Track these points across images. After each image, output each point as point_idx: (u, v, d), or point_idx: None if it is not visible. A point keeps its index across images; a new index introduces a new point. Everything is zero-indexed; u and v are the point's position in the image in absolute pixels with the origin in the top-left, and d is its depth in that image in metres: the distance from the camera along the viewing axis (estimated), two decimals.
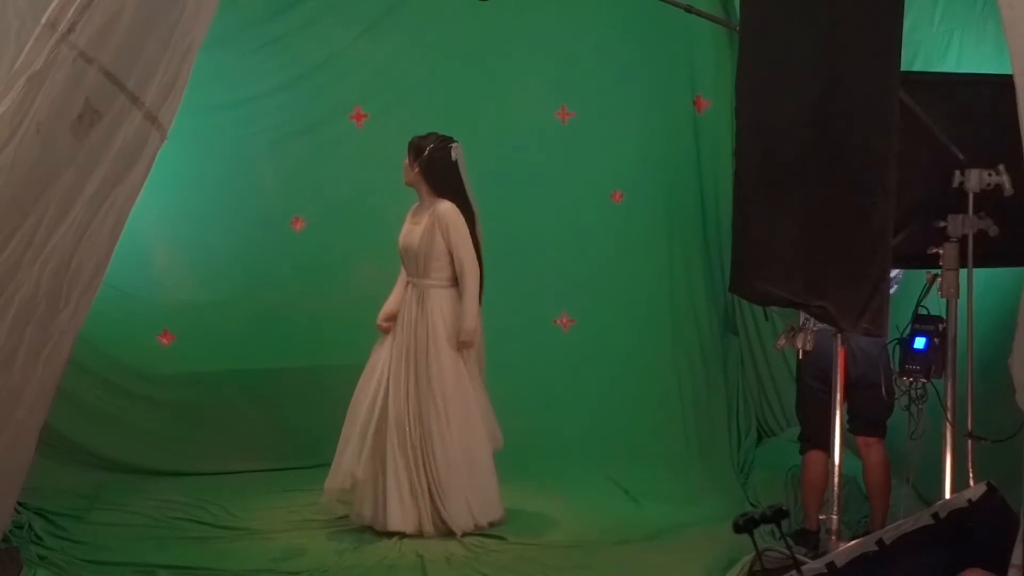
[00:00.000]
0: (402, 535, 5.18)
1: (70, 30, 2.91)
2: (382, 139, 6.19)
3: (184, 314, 6.42)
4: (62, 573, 4.72)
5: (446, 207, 5.27)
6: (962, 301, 4.18)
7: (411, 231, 5.31)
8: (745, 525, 3.20)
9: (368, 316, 5.48)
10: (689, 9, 5.32)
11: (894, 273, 4.76)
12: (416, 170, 5.31)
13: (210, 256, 6.45)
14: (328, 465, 5.71)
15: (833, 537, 4.54)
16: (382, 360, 5.31)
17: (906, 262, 4.41)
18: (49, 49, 2.91)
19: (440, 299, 5.31)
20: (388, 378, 5.27)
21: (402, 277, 5.43)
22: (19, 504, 5.12)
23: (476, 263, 5.31)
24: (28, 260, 2.99)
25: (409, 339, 5.26)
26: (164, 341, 6.40)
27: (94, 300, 3.45)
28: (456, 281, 5.31)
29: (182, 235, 6.43)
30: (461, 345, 5.27)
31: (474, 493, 5.31)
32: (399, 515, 5.19)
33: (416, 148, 5.32)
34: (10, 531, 4.99)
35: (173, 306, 6.42)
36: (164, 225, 6.33)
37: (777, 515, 3.20)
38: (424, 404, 5.22)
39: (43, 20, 2.96)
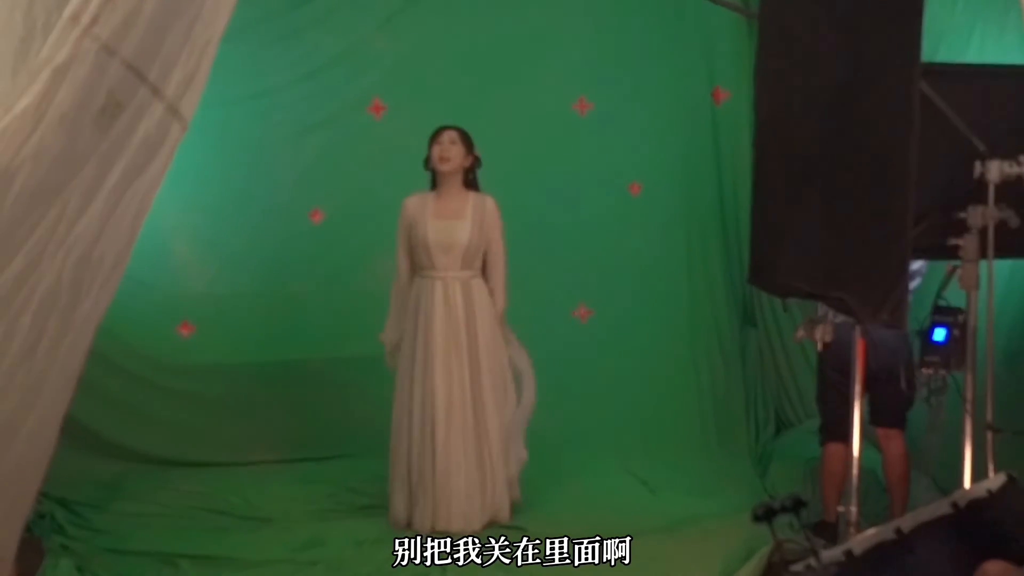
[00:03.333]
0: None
1: (93, 23, 2.94)
2: (400, 131, 6.19)
3: (203, 306, 6.44)
4: (84, 562, 4.76)
5: (495, 203, 5.36)
6: (983, 293, 4.17)
7: (452, 227, 5.28)
8: (764, 514, 3.23)
9: (387, 307, 5.49)
10: None
11: (917, 265, 4.76)
12: (469, 161, 5.35)
13: (229, 248, 6.47)
14: (346, 457, 5.76)
15: (852, 529, 4.53)
16: (437, 364, 5.26)
17: (926, 253, 4.40)
18: (72, 42, 2.94)
19: (482, 289, 5.36)
20: (435, 380, 5.26)
21: (409, 269, 5.39)
22: (41, 494, 5.15)
23: None
24: (51, 251, 3.02)
25: (459, 335, 5.26)
26: (184, 332, 6.43)
27: (115, 291, 3.48)
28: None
29: (201, 227, 6.44)
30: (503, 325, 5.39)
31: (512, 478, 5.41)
32: (464, 514, 5.23)
33: (470, 138, 5.36)
34: (32, 520, 5.03)
35: (193, 298, 6.44)
36: (184, 217, 6.34)
37: (796, 505, 3.22)
38: (481, 397, 5.28)
39: (65, 13, 2.99)
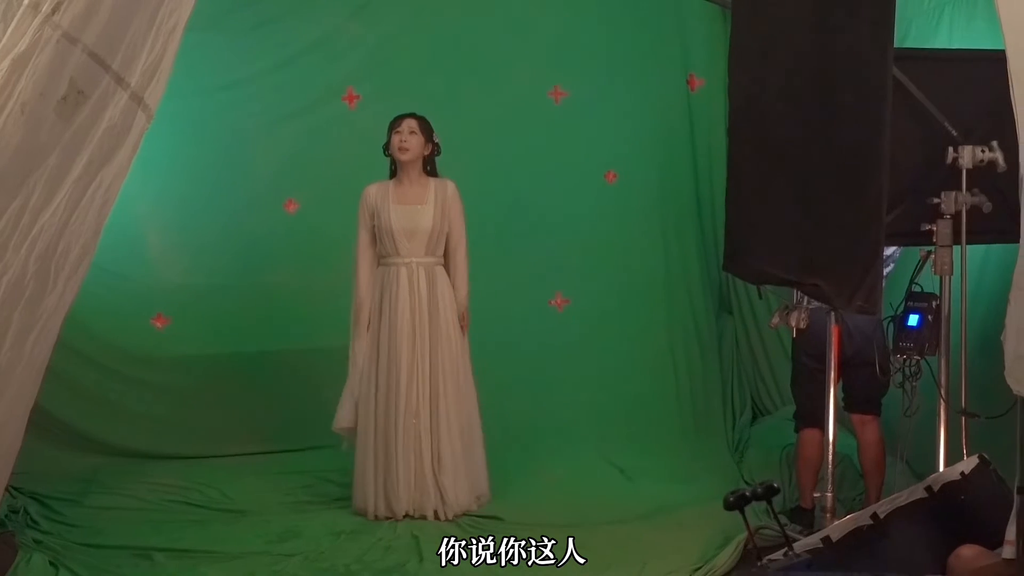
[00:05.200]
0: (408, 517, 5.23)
1: (54, 11, 2.91)
2: (375, 121, 6.14)
3: (178, 297, 6.40)
4: (58, 557, 4.72)
5: (455, 187, 5.37)
6: (956, 278, 4.18)
7: (415, 212, 5.30)
8: (736, 502, 3.22)
9: None
10: None
11: (890, 251, 4.77)
12: (428, 149, 5.34)
13: (203, 239, 6.42)
14: (322, 448, 5.73)
15: (828, 515, 4.55)
16: (403, 348, 5.27)
17: (900, 239, 4.41)
18: (33, 30, 2.90)
19: (444, 277, 5.37)
20: (400, 364, 5.27)
21: (371, 262, 5.39)
22: (14, 489, 5.12)
23: None
24: (15, 242, 2.99)
25: (422, 320, 5.27)
26: (158, 324, 6.38)
27: (84, 283, 3.45)
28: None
29: (175, 218, 6.40)
30: (465, 321, 5.39)
31: (474, 471, 5.39)
32: (406, 499, 5.24)
33: (430, 126, 5.35)
34: (5, 516, 5.00)
35: (167, 289, 6.40)
36: (157, 208, 6.30)
37: (768, 492, 3.21)
38: (439, 385, 5.27)
39: (26, 1, 2.95)
